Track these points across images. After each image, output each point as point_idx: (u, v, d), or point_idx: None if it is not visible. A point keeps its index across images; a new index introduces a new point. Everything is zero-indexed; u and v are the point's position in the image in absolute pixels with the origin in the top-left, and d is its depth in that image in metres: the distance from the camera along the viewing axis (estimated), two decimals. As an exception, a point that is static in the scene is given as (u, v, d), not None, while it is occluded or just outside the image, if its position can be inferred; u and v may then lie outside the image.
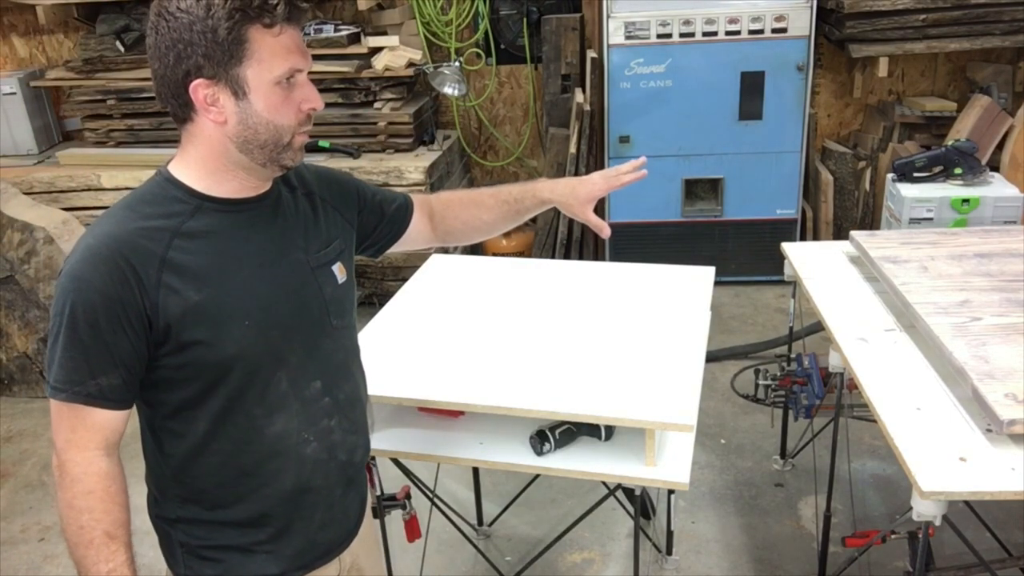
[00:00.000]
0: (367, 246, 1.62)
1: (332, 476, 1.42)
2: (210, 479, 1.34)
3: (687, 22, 4.12)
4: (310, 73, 1.30)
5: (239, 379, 1.29)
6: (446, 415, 1.98)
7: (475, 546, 2.66)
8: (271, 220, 1.35)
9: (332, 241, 1.43)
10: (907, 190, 3.48)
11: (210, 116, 1.24)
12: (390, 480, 2.10)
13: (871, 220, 4.46)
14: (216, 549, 1.37)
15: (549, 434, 1.84)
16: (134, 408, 1.30)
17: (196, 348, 1.25)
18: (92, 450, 1.25)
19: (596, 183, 1.66)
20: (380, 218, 1.61)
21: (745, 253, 4.46)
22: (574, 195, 1.65)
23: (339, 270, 1.43)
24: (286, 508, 1.38)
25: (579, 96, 4.28)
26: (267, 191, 1.35)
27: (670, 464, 1.78)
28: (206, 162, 1.28)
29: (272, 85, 1.23)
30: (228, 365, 1.27)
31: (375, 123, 4.35)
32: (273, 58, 1.22)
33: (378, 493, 2.03)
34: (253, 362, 1.29)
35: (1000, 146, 4.10)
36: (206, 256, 1.26)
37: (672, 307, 2.20)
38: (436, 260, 2.60)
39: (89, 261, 1.21)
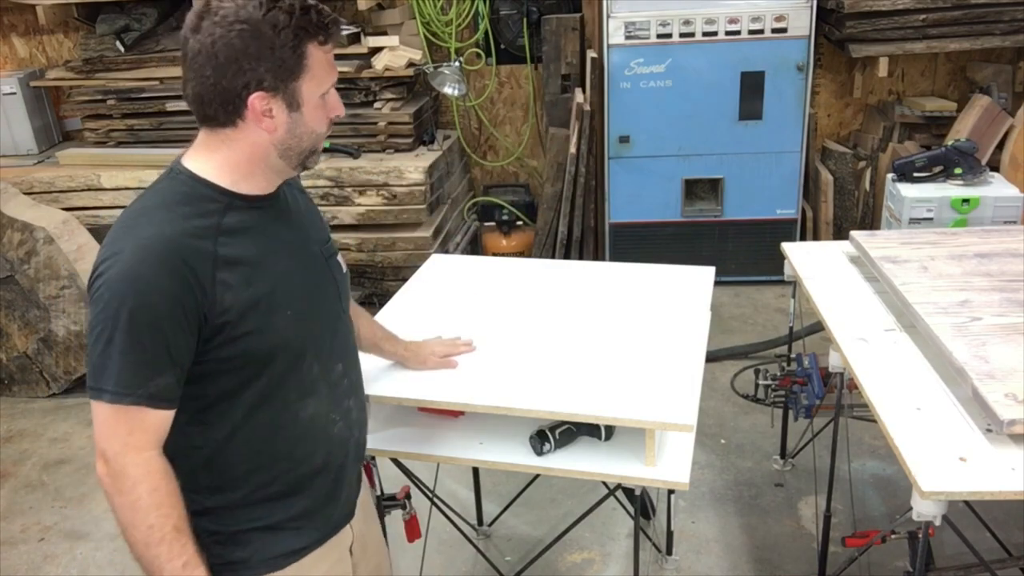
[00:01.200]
0: None
1: (351, 452, 1.53)
2: (243, 465, 1.37)
3: (687, 22, 4.12)
4: None
5: (280, 367, 1.34)
6: (446, 415, 1.98)
7: (475, 546, 2.66)
8: (287, 215, 1.41)
9: (329, 235, 1.52)
10: (907, 190, 3.48)
11: (262, 126, 1.28)
12: (390, 480, 2.10)
13: (871, 220, 4.46)
14: (244, 532, 1.40)
15: (549, 434, 1.84)
16: None
17: (246, 339, 1.29)
18: (150, 450, 1.26)
19: (433, 354, 1.94)
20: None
21: (745, 253, 4.46)
22: (416, 358, 1.92)
23: (342, 260, 1.53)
24: (314, 486, 1.44)
25: (579, 96, 4.28)
26: (278, 188, 1.40)
27: (670, 464, 1.78)
28: (240, 165, 1.32)
29: (319, 98, 1.31)
30: (273, 354, 1.32)
31: (375, 123, 4.35)
32: (324, 74, 1.30)
33: (378, 493, 2.04)
34: (293, 349, 1.35)
35: (1000, 146, 4.10)
36: (249, 250, 1.31)
37: (672, 307, 2.20)
38: (436, 260, 2.60)
39: (146, 262, 1.21)
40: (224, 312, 1.26)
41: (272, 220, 1.37)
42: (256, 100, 1.25)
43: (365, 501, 1.66)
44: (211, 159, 1.31)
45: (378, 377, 1.93)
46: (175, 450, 1.35)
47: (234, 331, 1.28)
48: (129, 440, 1.24)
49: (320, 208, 4.54)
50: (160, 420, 1.26)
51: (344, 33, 4.33)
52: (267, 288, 1.31)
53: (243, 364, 1.31)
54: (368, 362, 2.00)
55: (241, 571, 1.40)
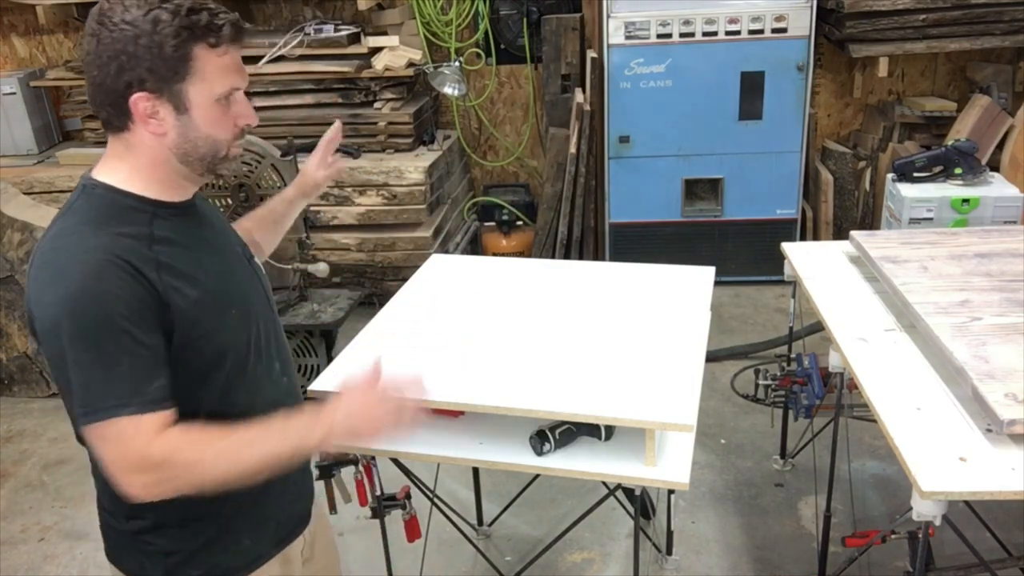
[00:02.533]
0: None
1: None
2: None
3: (687, 22, 4.12)
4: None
5: (229, 368, 1.33)
6: (446, 415, 1.98)
7: (475, 546, 2.66)
8: (207, 219, 1.41)
9: (243, 241, 1.51)
10: (907, 190, 3.48)
11: (149, 128, 1.25)
12: (390, 480, 2.10)
13: (871, 220, 4.46)
14: (199, 550, 1.38)
15: (549, 434, 1.83)
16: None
17: (199, 342, 1.28)
18: (163, 430, 1.22)
19: (312, 160, 1.82)
20: None
21: (745, 253, 4.46)
22: (304, 175, 1.81)
23: (255, 251, 1.54)
24: (264, 489, 1.40)
25: (579, 96, 4.28)
26: (191, 196, 1.38)
27: (670, 464, 1.78)
28: (147, 170, 1.29)
29: (213, 102, 1.26)
30: (223, 354, 1.31)
31: (375, 123, 4.35)
32: (216, 77, 1.25)
33: (378, 493, 2.04)
34: (239, 350, 1.35)
35: (1000, 146, 4.10)
36: (183, 257, 1.28)
37: (672, 307, 2.20)
38: (436, 260, 2.60)
39: (94, 275, 1.19)
40: (175, 314, 1.24)
41: (196, 226, 1.36)
42: (138, 100, 1.23)
43: (319, 504, 1.66)
44: (121, 168, 1.29)
45: (378, 377, 1.93)
46: None
47: (186, 334, 1.26)
48: (150, 439, 1.21)
49: (320, 208, 4.54)
50: (167, 418, 1.23)
51: (338, 35, 4.33)
52: (210, 289, 1.30)
53: (196, 367, 1.29)
54: (368, 362, 2.00)
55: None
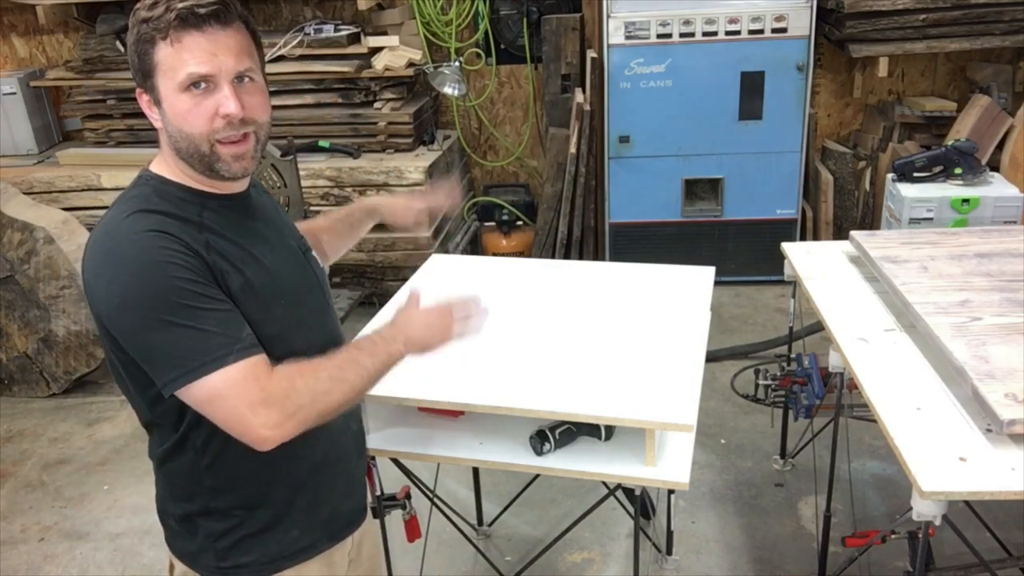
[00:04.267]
0: None
1: (349, 445, 1.53)
2: (247, 463, 1.35)
3: (687, 22, 4.12)
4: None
5: (278, 359, 1.31)
6: (446, 415, 1.98)
7: (475, 546, 2.66)
8: (260, 212, 1.42)
9: (301, 235, 1.52)
10: (907, 190, 3.48)
11: (152, 119, 1.31)
12: (390, 480, 2.10)
13: (871, 220, 4.46)
14: (249, 536, 1.39)
15: (549, 434, 1.83)
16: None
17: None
18: (270, 371, 1.25)
19: (417, 201, 1.83)
20: None
21: (745, 253, 4.46)
22: (400, 204, 1.82)
23: (318, 255, 1.55)
24: (315, 480, 1.44)
25: (579, 96, 4.28)
26: (247, 187, 1.41)
27: (670, 464, 1.78)
28: (176, 164, 1.32)
29: (177, 93, 1.25)
30: (269, 344, 1.30)
31: (375, 123, 4.35)
32: (172, 68, 1.24)
33: (378, 493, 2.03)
34: (287, 340, 1.34)
35: (1000, 146, 4.10)
36: (234, 245, 1.30)
37: (672, 307, 2.20)
38: (436, 260, 2.60)
39: (152, 247, 1.21)
40: (228, 292, 1.26)
41: (248, 216, 1.37)
42: (139, 96, 1.30)
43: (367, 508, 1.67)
44: (166, 160, 1.33)
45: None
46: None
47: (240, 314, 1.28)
48: (257, 382, 1.22)
49: (320, 208, 4.54)
50: (265, 359, 1.25)
51: (338, 35, 4.33)
52: (260, 277, 1.31)
53: None
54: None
55: (245, 573, 1.40)
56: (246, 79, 1.29)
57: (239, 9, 1.29)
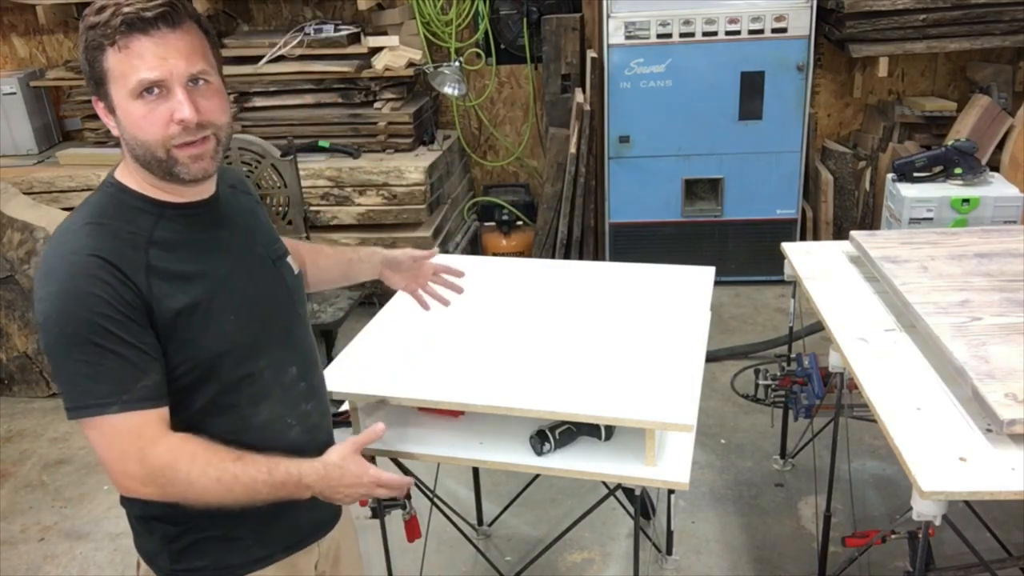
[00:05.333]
0: None
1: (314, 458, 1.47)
2: None
3: (687, 22, 4.12)
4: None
5: (227, 373, 1.32)
6: (446, 415, 1.98)
7: (475, 546, 2.66)
8: (228, 218, 1.38)
9: (278, 237, 1.49)
10: (907, 190, 3.48)
11: (109, 126, 1.28)
12: (390, 480, 2.10)
13: (871, 220, 4.46)
14: (202, 541, 1.38)
15: (549, 434, 1.83)
16: None
17: (186, 348, 1.27)
18: (164, 436, 1.25)
19: (419, 266, 1.87)
20: None
21: (745, 253, 4.46)
22: (399, 263, 1.84)
23: (293, 262, 1.49)
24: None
25: (579, 96, 4.28)
26: (215, 192, 1.37)
27: (670, 464, 1.78)
28: (138, 171, 1.29)
29: (130, 100, 1.22)
30: (217, 360, 1.30)
31: (375, 123, 4.35)
32: (123, 74, 1.21)
33: (378, 493, 2.03)
34: (238, 355, 1.33)
35: (1000, 146, 4.10)
36: (183, 261, 1.28)
37: (672, 307, 2.20)
38: (436, 260, 2.59)
39: (80, 276, 1.20)
40: (161, 320, 1.25)
41: (211, 226, 1.34)
42: (95, 104, 1.27)
43: (349, 518, 1.65)
44: (129, 167, 1.30)
45: (378, 377, 1.93)
46: None
47: (172, 340, 1.26)
48: (142, 443, 1.22)
49: (320, 208, 4.52)
50: (160, 415, 1.25)
51: (338, 35, 4.33)
52: (205, 295, 1.29)
53: (188, 370, 1.29)
54: (368, 362, 2.00)
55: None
56: (200, 81, 1.25)
57: (189, 9, 1.24)
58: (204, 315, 1.28)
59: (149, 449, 1.22)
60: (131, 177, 1.30)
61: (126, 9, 1.19)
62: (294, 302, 1.46)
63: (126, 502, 1.40)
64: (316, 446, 1.45)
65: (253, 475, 1.27)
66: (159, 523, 1.37)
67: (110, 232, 1.24)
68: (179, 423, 1.30)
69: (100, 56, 1.21)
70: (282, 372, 1.40)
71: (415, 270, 1.89)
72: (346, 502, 1.41)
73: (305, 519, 1.48)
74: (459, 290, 1.93)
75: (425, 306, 1.93)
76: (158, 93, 1.22)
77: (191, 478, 1.24)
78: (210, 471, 1.24)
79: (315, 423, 1.48)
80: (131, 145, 1.26)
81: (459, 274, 1.93)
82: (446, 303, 1.93)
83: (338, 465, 1.36)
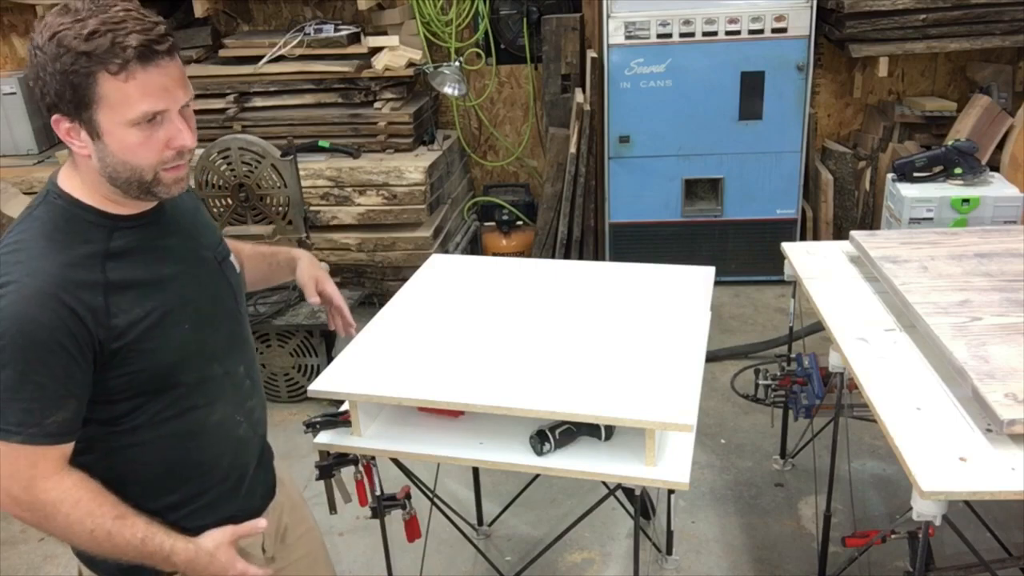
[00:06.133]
0: None
1: (253, 451, 1.53)
2: (156, 476, 1.38)
3: (687, 22, 4.12)
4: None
5: (184, 376, 1.35)
6: (446, 415, 1.98)
7: (475, 546, 2.66)
8: (176, 225, 1.39)
9: (220, 237, 1.51)
10: (907, 190, 3.48)
11: (75, 149, 1.24)
12: (390, 480, 2.10)
13: (871, 220, 4.46)
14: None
15: (549, 434, 1.84)
16: None
17: (147, 357, 1.29)
18: (57, 472, 1.26)
19: (323, 281, 1.75)
20: None
21: (745, 253, 4.46)
22: (306, 267, 1.73)
23: (236, 261, 1.52)
24: (220, 486, 1.45)
25: (579, 96, 4.28)
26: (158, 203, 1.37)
27: (670, 464, 1.78)
28: (95, 185, 1.28)
29: (127, 128, 1.21)
30: (176, 366, 1.33)
31: (375, 123, 4.35)
32: (125, 103, 1.19)
33: (378, 493, 2.04)
34: (196, 360, 1.36)
35: (1000, 146, 4.09)
36: (139, 271, 1.29)
37: (672, 307, 2.20)
38: (436, 260, 2.60)
39: (31, 300, 1.19)
40: (120, 336, 1.25)
41: (160, 235, 1.34)
42: (57, 123, 1.22)
43: (291, 495, 1.68)
44: (77, 177, 1.28)
45: (378, 377, 1.93)
46: (87, 465, 1.33)
47: (132, 352, 1.27)
48: (35, 473, 1.23)
49: (320, 208, 4.52)
50: (61, 452, 1.26)
51: (338, 35, 4.33)
52: (162, 305, 1.30)
53: (147, 379, 1.30)
54: (368, 362, 2.00)
55: (139, 572, 1.40)
56: (186, 106, 1.26)
57: (173, 34, 1.24)
58: (161, 324, 1.30)
59: (39, 481, 1.23)
60: (82, 190, 1.28)
61: (134, 40, 1.17)
62: (238, 302, 1.49)
63: None
64: (257, 439, 1.54)
65: (127, 538, 1.28)
66: None
67: (66, 249, 1.23)
68: (137, 430, 1.33)
69: (90, 81, 1.17)
70: (233, 372, 1.44)
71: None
72: None
73: (245, 506, 1.50)
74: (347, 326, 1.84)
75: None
76: (154, 120, 1.22)
77: (69, 522, 1.25)
78: (87, 522, 1.26)
79: (258, 418, 1.53)
80: (114, 168, 1.24)
81: (345, 321, 1.82)
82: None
83: (209, 552, 1.37)
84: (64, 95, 1.19)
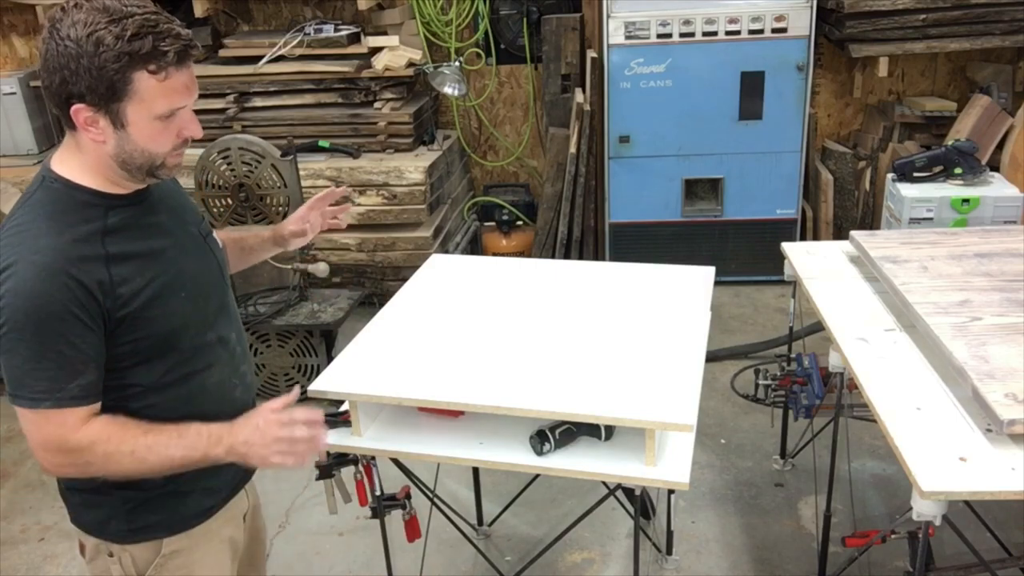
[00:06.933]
0: None
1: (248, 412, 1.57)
2: None
3: (687, 22, 4.12)
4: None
5: (184, 342, 1.44)
6: (446, 415, 1.98)
7: (475, 546, 2.66)
8: (162, 202, 1.48)
9: (202, 216, 1.60)
10: (907, 190, 3.48)
11: (89, 136, 1.33)
12: (390, 480, 2.11)
13: (871, 220, 4.46)
14: (156, 498, 1.48)
15: (549, 434, 1.84)
16: None
17: (150, 325, 1.38)
18: (86, 424, 1.34)
19: (293, 215, 1.86)
20: None
21: (745, 253, 4.46)
22: (280, 225, 1.85)
23: (218, 237, 1.63)
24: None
25: (579, 96, 4.28)
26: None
27: (670, 464, 1.78)
28: (94, 169, 1.36)
29: (151, 120, 1.32)
30: (176, 333, 1.42)
31: (375, 123, 4.35)
32: (156, 99, 1.31)
33: (378, 493, 2.04)
34: (193, 328, 1.45)
35: (1000, 146, 4.10)
36: (137, 244, 1.38)
37: (672, 307, 2.20)
38: (436, 260, 2.60)
39: (40, 277, 1.27)
40: (125, 305, 1.34)
41: (150, 212, 1.44)
42: (78, 111, 1.29)
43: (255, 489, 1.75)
44: (75, 160, 1.36)
45: (378, 377, 1.93)
46: None
47: (137, 320, 1.36)
48: (64, 432, 1.32)
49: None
50: (88, 411, 1.34)
51: (338, 35, 4.33)
52: (161, 275, 1.39)
53: (151, 345, 1.39)
54: (368, 362, 2.00)
55: (154, 534, 1.50)
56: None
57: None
58: (163, 293, 1.39)
59: (70, 436, 1.33)
60: (79, 172, 1.36)
61: (174, 41, 1.28)
62: (224, 274, 1.59)
63: (69, 480, 1.48)
64: (251, 401, 1.61)
65: (164, 442, 1.36)
66: (116, 486, 1.44)
67: (68, 227, 1.32)
68: (142, 393, 1.42)
69: (128, 75, 1.27)
70: (226, 338, 1.54)
71: (313, 222, 1.88)
72: (269, 455, 1.40)
73: (237, 473, 1.57)
74: (346, 206, 1.97)
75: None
76: (170, 116, 1.34)
77: (108, 454, 1.34)
78: (124, 447, 1.34)
79: (249, 382, 1.62)
80: (129, 154, 1.34)
81: (341, 194, 1.94)
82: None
83: (245, 417, 1.44)
84: (97, 88, 1.27)
